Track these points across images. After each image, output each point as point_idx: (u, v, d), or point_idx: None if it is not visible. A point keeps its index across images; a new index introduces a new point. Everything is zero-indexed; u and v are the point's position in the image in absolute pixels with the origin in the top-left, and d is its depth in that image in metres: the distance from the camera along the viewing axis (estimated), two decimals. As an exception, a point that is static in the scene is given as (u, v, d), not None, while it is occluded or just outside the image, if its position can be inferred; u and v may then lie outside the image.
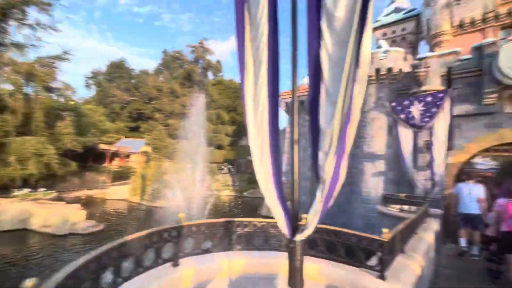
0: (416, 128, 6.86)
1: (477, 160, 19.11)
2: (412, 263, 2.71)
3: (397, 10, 21.06)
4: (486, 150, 11.23)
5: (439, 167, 6.63)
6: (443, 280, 4.79)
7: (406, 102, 7.07)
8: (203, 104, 18.35)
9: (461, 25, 14.05)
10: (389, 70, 14.27)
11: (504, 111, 10.75)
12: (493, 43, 10.88)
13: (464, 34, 13.98)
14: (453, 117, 11.86)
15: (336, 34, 1.33)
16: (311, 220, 1.40)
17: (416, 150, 7.08)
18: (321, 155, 1.37)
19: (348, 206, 16.12)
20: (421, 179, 8.45)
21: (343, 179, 1.39)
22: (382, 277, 2.13)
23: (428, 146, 6.85)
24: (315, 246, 2.49)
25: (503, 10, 12.84)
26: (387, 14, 21.43)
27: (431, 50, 15.02)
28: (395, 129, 7.35)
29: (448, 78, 11.95)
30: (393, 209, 6.59)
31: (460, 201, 6.27)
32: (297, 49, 1.57)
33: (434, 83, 11.70)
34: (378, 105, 13.95)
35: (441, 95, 6.61)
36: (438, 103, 6.55)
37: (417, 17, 19.10)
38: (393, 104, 7.34)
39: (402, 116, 7.04)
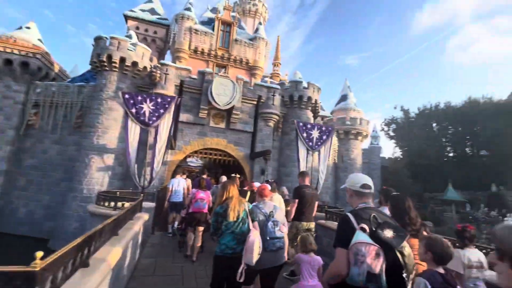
0: (144, 125, 6.95)
1: (190, 159, 24.44)
2: (95, 277, 2.28)
3: (152, 11, 21.82)
4: (196, 152, 14.53)
5: (158, 164, 7.15)
6: (145, 263, 5.15)
7: (139, 98, 6.99)
8: None
9: (195, 51, 17.46)
10: (134, 64, 14.04)
11: (209, 125, 14.63)
12: (211, 73, 14.54)
13: (196, 59, 17.51)
14: (179, 122, 14.17)
15: None
16: None
17: (139, 146, 7.14)
18: None
19: (63, 206, 13.23)
20: (145, 175, 8.81)
21: None
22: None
23: (152, 144, 7.20)
24: None
25: (220, 52, 17.86)
26: (143, 10, 21.49)
27: (173, 61, 17.06)
28: (125, 122, 6.97)
29: (180, 89, 14.14)
30: (107, 207, 6.06)
31: (172, 192, 7.74)
32: None
33: (169, 89, 13.24)
34: (117, 96, 13.08)
35: (169, 99, 7.28)
36: (166, 106, 7.14)
37: (168, 27, 21.04)
38: (126, 96, 6.95)
39: (133, 110, 6.84)
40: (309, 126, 8.80)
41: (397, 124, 45.00)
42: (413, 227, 2.49)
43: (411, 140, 41.33)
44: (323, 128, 8.85)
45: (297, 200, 4.81)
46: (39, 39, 17.15)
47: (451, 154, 41.30)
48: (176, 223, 7.94)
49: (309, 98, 16.88)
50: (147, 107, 6.97)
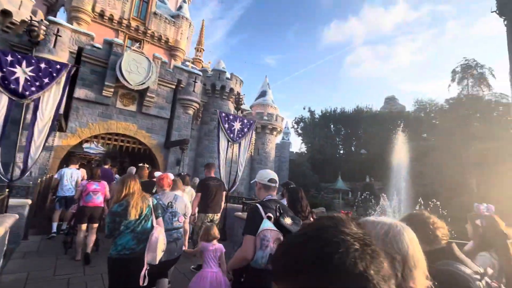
0: (16, 96, 5.19)
1: (89, 145, 20.63)
2: None
3: (39, -50, 16.74)
4: (96, 136, 12.20)
5: (37, 149, 5.52)
6: (9, 281, 3.86)
7: (9, 58, 5.14)
8: None
9: (101, 15, 14.50)
10: (5, 13, 10.45)
11: (116, 106, 12.51)
12: (121, 45, 12.37)
13: (102, 25, 14.58)
14: (74, 98, 11.51)
15: None
16: None
17: (8, 124, 5.31)
18: None
19: None
20: (14, 162, 6.66)
21: None
22: None
23: (30, 122, 5.48)
24: None
25: (134, 23, 15.42)
26: None
27: (69, 22, 13.65)
28: (-18, 89, 5.02)
29: (77, 58, 11.48)
30: None
31: (62, 185, 6.64)
32: None
33: (60, 55, 10.47)
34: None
35: (59, 66, 5.67)
36: (54, 74, 5.52)
37: (62, -23, 16.64)
38: (-14, 52, 5.00)
39: (-3, 73, 4.99)
40: (231, 117, 8.64)
41: (305, 123, 50.93)
42: (303, 213, 2.98)
43: (314, 138, 47.66)
44: (245, 121, 8.88)
45: (200, 194, 4.88)
46: None
47: (341, 151, 49.94)
48: (56, 224, 6.62)
49: (231, 90, 16.80)
50: (22, 73, 5.19)
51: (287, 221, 1.99)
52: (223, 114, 8.55)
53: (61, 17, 18.92)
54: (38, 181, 7.08)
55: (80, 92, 11.45)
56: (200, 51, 23.29)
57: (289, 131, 43.96)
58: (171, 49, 16.87)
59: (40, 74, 5.34)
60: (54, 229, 6.53)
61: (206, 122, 16.46)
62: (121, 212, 2.55)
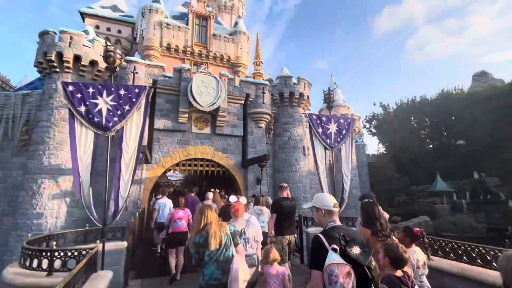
0: (100, 129, 4.65)
1: (170, 173, 21.67)
2: None
3: (114, 8, 19.18)
4: (178, 164, 12.13)
5: (127, 186, 4.84)
6: None
7: (91, 90, 4.70)
8: None
9: (168, 48, 15.18)
10: (93, 63, 11.50)
11: (191, 131, 12.34)
12: (188, 70, 12.34)
13: (169, 57, 15.21)
14: (154, 130, 11.74)
15: None
16: None
17: (97, 162, 4.79)
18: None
19: (5, 250, 10.15)
20: (106, 204, 6.37)
21: None
22: None
23: (117, 157, 4.86)
24: None
25: (196, 49, 15.72)
26: (104, 7, 18.79)
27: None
28: (70, 126, 4.62)
29: (154, 89, 11.78)
30: (35, 270, 3.58)
31: (160, 214, 7.56)
32: None
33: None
34: (72, 102, 10.42)
35: (138, 90, 5.04)
36: (133, 99, 4.91)
37: (133, 25, 18.52)
38: (69, 88, 4.61)
39: (81, 108, 4.55)
40: (324, 119, 6.95)
41: (378, 120, 45.25)
42: (384, 232, 2.77)
43: (393, 135, 41.49)
44: (341, 121, 7.05)
45: (275, 215, 4.78)
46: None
47: (430, 146, 41.98)
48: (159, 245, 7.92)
49: (301, 94, 15.24)
50: (103, 103, 4.69)
51: (355, 250, 1.71)
52: (314, 117, 6.93)
53: (136, 61, 20.94)
54: (132, 220, 6.64)
55: (159, 123, 11.62)
56: (259, 65, 22.75)
57: (362, 132, 39.51)
58: (234, 66, 16.54)
59: (121, 101, 4.76)
60: (159, 249, 7.95)
61: (279, 134, 15.18)
62: (203, 243, 2.60)
